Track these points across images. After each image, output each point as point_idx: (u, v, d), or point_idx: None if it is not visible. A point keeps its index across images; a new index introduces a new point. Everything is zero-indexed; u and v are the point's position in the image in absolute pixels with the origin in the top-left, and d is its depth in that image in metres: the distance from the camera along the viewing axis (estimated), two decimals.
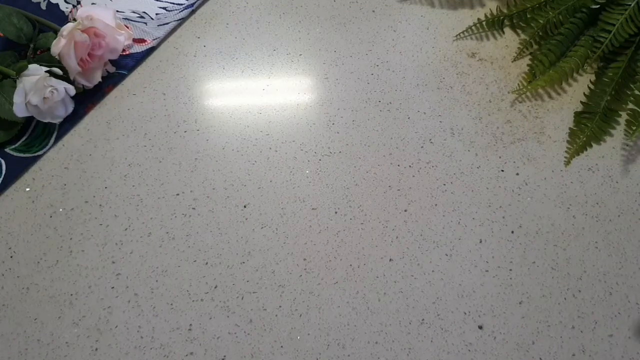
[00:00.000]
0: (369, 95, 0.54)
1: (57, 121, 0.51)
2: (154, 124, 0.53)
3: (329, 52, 0.57)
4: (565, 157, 0.51)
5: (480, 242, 0.47)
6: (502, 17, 0.58)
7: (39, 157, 0.51)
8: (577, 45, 0.55)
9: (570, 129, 0.53)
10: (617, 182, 0.50)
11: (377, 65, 0.56)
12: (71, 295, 0.45)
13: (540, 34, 0.56)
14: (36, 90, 0.48)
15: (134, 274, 0.46)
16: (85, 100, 0.54)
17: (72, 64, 0.49)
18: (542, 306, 0.45)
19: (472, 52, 0.57)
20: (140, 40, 0.57)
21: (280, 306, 0.44)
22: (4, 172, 0.50)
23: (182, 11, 0.59)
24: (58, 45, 0.48)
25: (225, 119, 0.53)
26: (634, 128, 0.51)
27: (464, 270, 0.46)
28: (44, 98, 0.49)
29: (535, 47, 0.57)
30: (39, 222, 0.48)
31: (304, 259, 0.46)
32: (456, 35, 0.58)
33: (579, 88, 0.55)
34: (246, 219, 0.48)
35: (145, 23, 0.58)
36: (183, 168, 0.50)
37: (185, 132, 0.52)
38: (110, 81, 0.55)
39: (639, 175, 0.51)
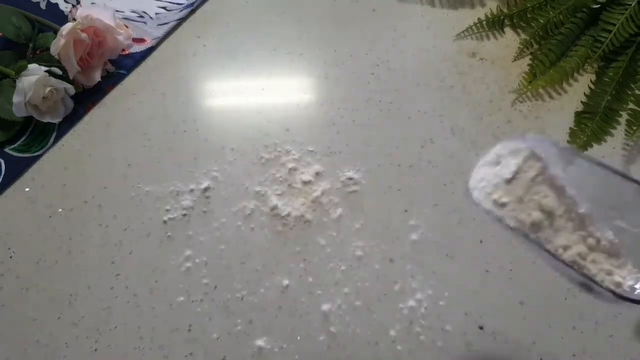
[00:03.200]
0: (369, 95, 0.54)
1: (56, 121, 0.51)
2: (154, 124, 0.53)
3: (329, 52, 0.57)
4: None
5: (481, 242, 0.47)
6: (502, 17, 0.58)
7: (39, 157, 0.51)
8: (577, 45, 0.55)
9: (570, 128, 0.53)
10: None
11: (378, 65, 0.56)
12: (70, 295, 0.45)
13: (541, 33, 0.56)
14: (35, 90, 0.48)
15: (133, 274, 0.45)
16: (85, 100, 0.54)
17: (71, 63, 0.49)
18: (543, 306, 0.45)
19: (472, 52, 0.57)
20: (140, 40, 0.57)
21: (280, 306, 0.44)
22: (3, 172, 0.50)
23: (181, 11, 0.59)
24: (57, 45, 0.48)
25: (225, 119, 0.53)
26: (635, 128, 0.50)
27: (464, 270, 0.46)
28: (44, 98, 0.49)
29: (535, 46, 0.57)
30: (39, 222, 0.48)
31: (304, 259, 0.46)
32: (457, 35, 0.58)
33: (579, 88, 0.55)
34: (246, 218, 0.48)
35: (145, 22, 0.58)
36: (183, 168, 0.50)
37: (184, 131, 0.52)
38: (109, 81, 0.55)
39: (639, 175, 0.51)
